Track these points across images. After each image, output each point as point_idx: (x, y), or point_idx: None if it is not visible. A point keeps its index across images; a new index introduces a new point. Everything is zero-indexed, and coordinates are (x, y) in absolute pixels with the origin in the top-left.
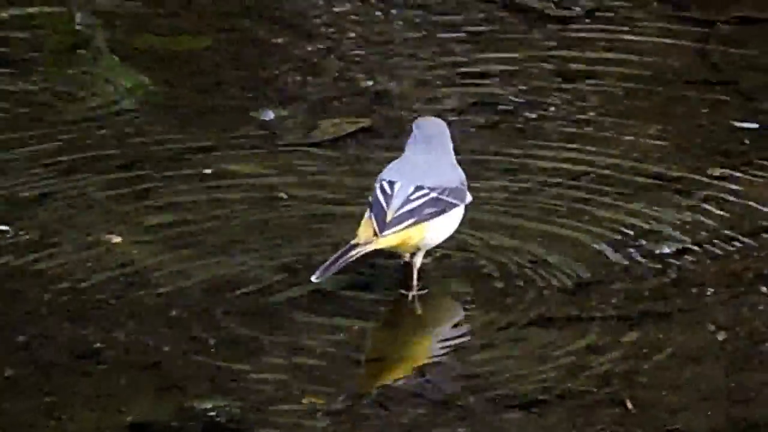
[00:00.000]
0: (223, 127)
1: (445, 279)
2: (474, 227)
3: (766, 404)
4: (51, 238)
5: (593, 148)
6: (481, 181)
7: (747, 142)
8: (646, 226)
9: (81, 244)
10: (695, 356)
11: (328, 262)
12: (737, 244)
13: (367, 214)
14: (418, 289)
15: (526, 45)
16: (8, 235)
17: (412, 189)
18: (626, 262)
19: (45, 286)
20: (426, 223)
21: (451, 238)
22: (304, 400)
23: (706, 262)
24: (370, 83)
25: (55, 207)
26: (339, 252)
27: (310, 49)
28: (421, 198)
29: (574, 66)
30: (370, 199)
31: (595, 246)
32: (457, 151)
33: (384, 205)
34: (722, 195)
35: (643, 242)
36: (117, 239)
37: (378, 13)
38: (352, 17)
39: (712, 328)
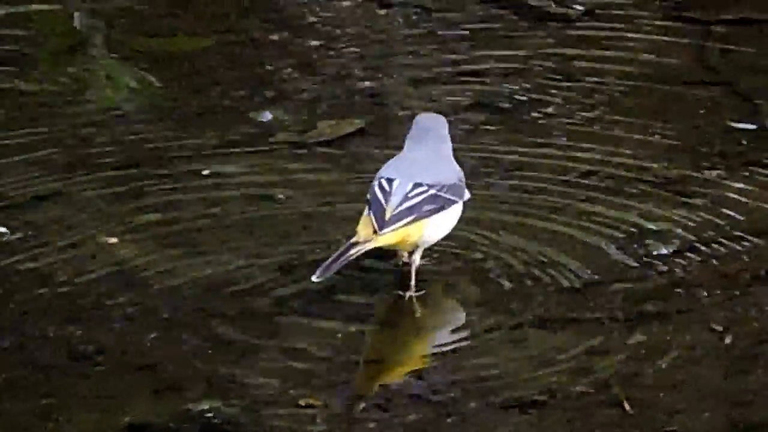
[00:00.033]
0: (220, 128)
1: (444, 278)
2: (469, 224)
3: (764, 405)
4: (48, 238)
5: (590, 149)
6: (478, 179)
7: (744, 142)
8: (644, 228)
9: (78, 245)
10: (693, 357)
11: (328, 261)
12: (735, 245)
13: (365, 212)
14: (416, 290)
15: (524, 44)
16: (4, 237)
17: (410, 186)
18: (623, 264)
19: (42, 287)
20: (425, 220)
21: (447, 236)
22: (302, 402)
23: (703, 263)
24: (368, 84)
25: (52, 208)
26: (339, 251)
27: (307, 49)
28: (419, 195)
29: (571, 66)
30: (369, 196)
31: (592, 247)
32: (454, 150)
33: (383, 202)
34: (720, 196)
35: (641, 243)
36: (113, 240)
37: (376, 12)
38: (351, 18)
39: (710, 329)
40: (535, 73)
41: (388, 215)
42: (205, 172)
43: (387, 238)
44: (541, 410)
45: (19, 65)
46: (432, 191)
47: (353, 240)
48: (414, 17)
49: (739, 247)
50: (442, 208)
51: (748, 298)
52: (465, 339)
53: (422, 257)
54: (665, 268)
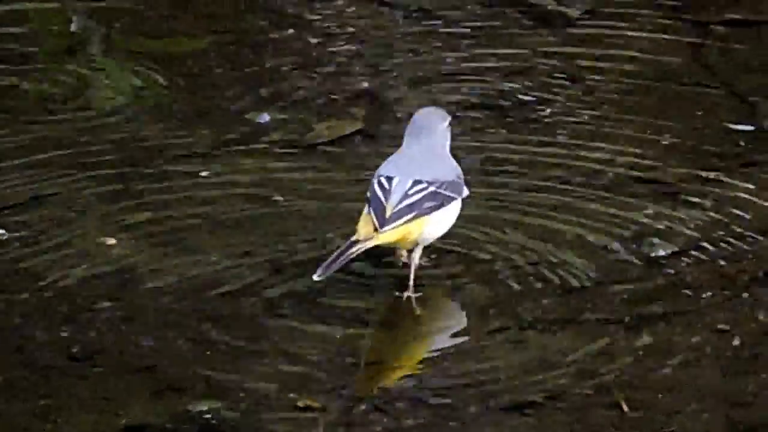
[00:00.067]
0: (218, 129)
1: (443, 279)
2: (466, 222)
3: (763, 407)
4: (45, 239)
5: (589, 149)
6: (476, 177)
7: (742, 144)
8: (643, 228)
9: (76, 246)
10: (692, 359)
11: (329, 260)
12: (734, 245)
13: (365, 210)
14: (415, 291)
15: (523, 44)
16: (3, 237)
17: (410, 183)
18: (623, 265)
19: (40, 288)
20: (425, 218)
21: (447, 234)
22: (300, 403)
23: (703, 263)
24: (367, 84)
25: (50, 208)
26: (339, 249)
27: (306, 50)
28: (419, 192)
29: (570, 67)
30: (368, 194)
31: (592, 248)
32: (454, 148)
33: (383, 200)
34: (718, 197)
35: (640, 244)
36: (112, 241)
37: (376, 11)
38: (350, 18)
39: (709, 330)
40: (534, 72)
41: (388, 213)
42: (204, 173)
43: (388, 235)
44: (539, 412)
45: (17, 65)
46: (432, 188)
47: (354, 238)
48: (414, 16)
49: (738, 248)
50: (441, 205)
51: (747, 299)
52: (464, 341)
53: (423, 257)
54: (664, 269)
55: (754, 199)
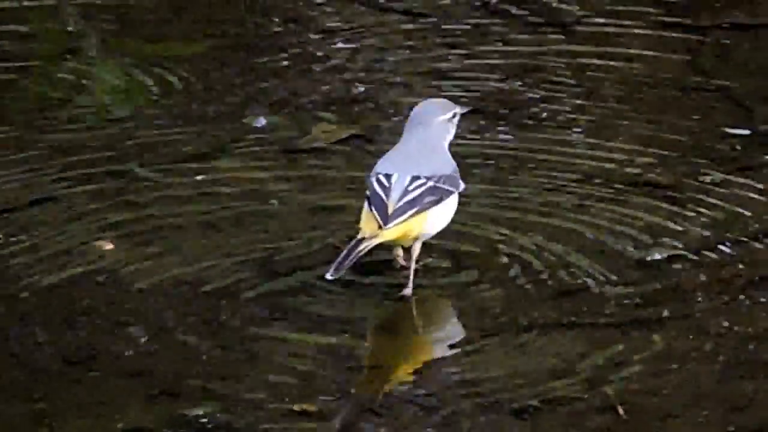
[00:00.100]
0: (214, 133)
1: (434, 283)
2: (463, 220)
3: (758, 411)
4: (42, 243)
5: (584, 153)
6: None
7: (738, 147)
8: (638, 233)
9: (72, 249)
10: (687, 362)
11: (339, 259)
12: (729, 250)
13: (365, 208)
14: (413, 291)
15: (519, 48)
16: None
17: (408, 179)
18: (618, 268)
19: (36, 292)
20: (426, 213)
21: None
22: (296, 407)
23: (697, 268)
24: (363, 89)
25: (45, 211)
26: (348, 247)
27: (302, 55)
28: (419, 188)
29: (566, 71)
30: (368, 193)
31: (586, 251)
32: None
33: (384, 197)
34: (714, 201)
35: (635, 248)
36: (109, 246)
37: (375, 13)
38: (346, 22)
39: (704, 334)
40: (534, 73)
41: (390, 210)
42: (199, 177)
43: (391, 232)
44: (534, 414)
45: (15, 65)
46: (430, 183)
47: (359, 236)
48: (412, 18)
49: (734, 252)
50: (441, 200)
51: (744, 302)
52: (460, 345)
53: (411, 257)
54: (660, 273)
55: (751, 202)
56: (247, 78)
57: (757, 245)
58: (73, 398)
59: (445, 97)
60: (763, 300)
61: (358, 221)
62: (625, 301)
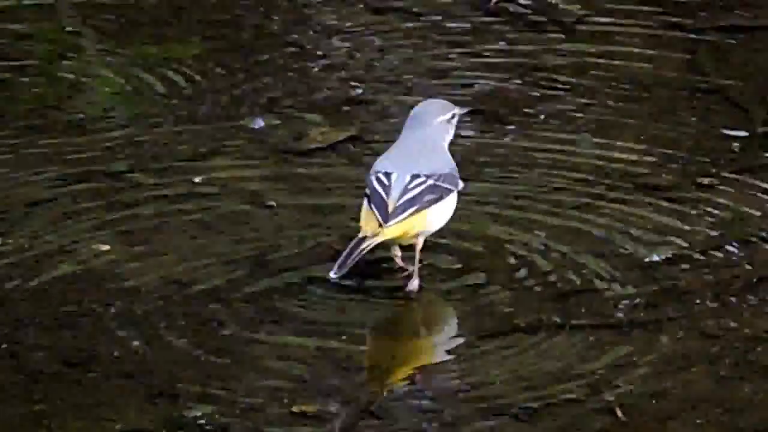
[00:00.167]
0: (212, 135)
1: (432, 280)
2: (470, 219)
3: (756, 412)
4: (40, 246)
5: (582, 155)
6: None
7: (736, 149)
8: (636, 234)
9: (69, 251)
10: (685, 364)
11: (342, 258)
12: (727, 252)
13: (365, 207)
14: (414, 287)
15: (516, 50)
16: None
17: (408, 178)
18: (616, 270)
19: (32, 294)
20: (426, 211)
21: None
22: (295, 408)
23: (696, 269)
24: (361, 91)
25: (43, 214)
26: (350, 246)
27: (300, 56)
28: (419, 186)
29: (565, 72)
30: (368, 191)
31: (584, 253)
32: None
33: (384, 196)
34: (712, 203)
35: (633, 250)
36: (105, 247)
37: (371, 16)
38: (343, 24)
39: (703, 336)
40: (530, 76)
41: (391, 208)
42: (197, 179)
43: (392, 230)
44: (532, 416)
45: (13, 66)
46: (430, 181)
47: (361, 235)
48: (410, 18)
49: (731, 254)
50: (440, 198)
51: (741, 305)
52: (459, 346)
53: (414, 252)
54: (657, 275)
55: (749, 204)
56: (244, 80)
57: (755, 247)
58: (71, 400)
59: (445, 97)
60: (760, 302)
61: (356, 220)
62: (628, 303)
